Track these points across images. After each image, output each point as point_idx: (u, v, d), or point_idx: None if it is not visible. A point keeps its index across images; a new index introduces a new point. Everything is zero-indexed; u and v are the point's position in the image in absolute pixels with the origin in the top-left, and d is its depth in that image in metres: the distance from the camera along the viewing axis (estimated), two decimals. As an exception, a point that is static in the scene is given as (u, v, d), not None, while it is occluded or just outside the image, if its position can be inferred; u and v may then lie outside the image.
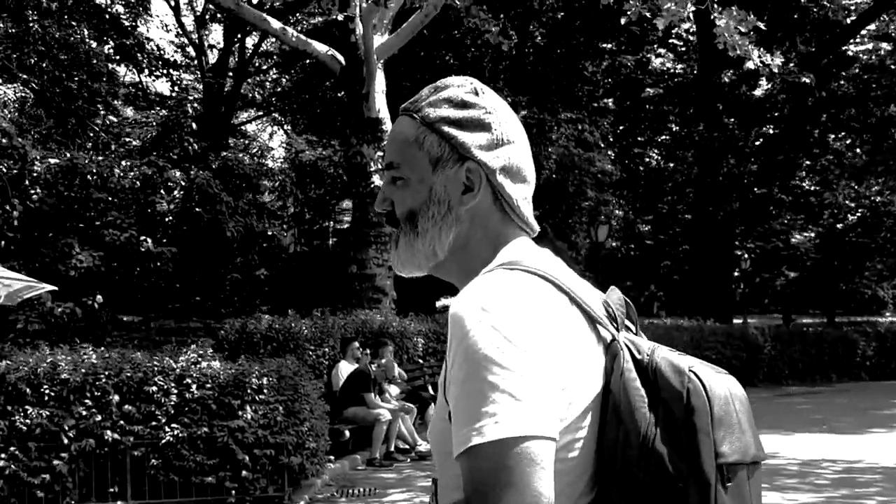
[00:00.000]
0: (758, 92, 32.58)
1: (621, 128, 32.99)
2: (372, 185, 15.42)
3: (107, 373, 9.46)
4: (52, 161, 11.34)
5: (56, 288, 9.05)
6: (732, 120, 30.20)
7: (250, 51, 28.81)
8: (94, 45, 16.18)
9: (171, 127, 12.95)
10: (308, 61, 26.31)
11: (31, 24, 13.02)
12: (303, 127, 29.28)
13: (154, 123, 13.59)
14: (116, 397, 9.41)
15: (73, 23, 14.77)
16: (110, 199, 11.48)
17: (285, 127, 33.58)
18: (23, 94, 10.15)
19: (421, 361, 15.11)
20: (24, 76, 10.90)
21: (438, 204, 1.41)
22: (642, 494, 1.24)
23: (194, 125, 13.38)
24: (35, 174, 11.31)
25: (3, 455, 9.08)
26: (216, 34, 30.05)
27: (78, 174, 11.31)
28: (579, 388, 1.26)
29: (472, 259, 1.42)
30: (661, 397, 1.27)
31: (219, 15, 27.10)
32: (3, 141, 10.97)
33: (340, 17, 12.44)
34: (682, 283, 35.04)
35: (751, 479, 1.29)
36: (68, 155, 11.16)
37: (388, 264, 15.83)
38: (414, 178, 1.42)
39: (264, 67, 29.97)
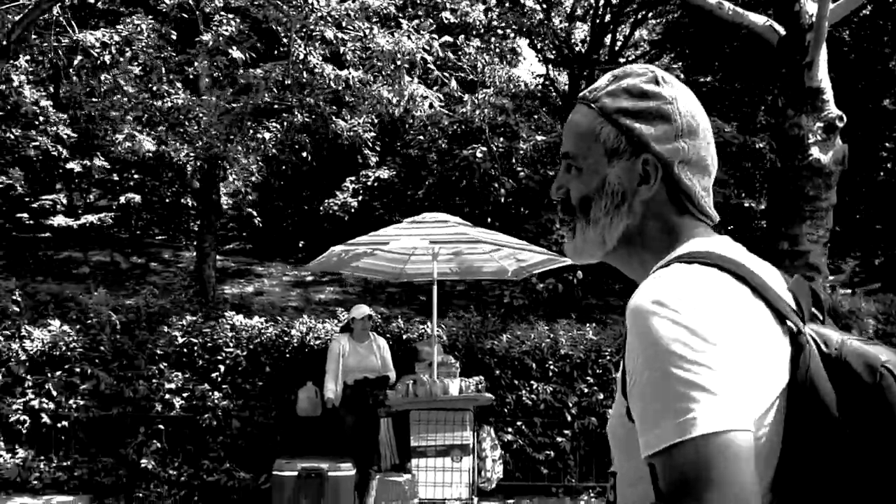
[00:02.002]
0: None
1: None
2: (810, 157, 13.50)
3: (609, 350, 8.65)
4: (539, 138, 10.97)
5: (571, 261, 8.38)
6: None
7: (620, 43, 27.80)
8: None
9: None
10: (678, 50, 25.04)
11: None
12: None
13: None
14: (618, 375, 8.57)
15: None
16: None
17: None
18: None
19: (873, 346, 12.97)
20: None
21: (612, 195, 1.34)
22: (832, 494, 1.14)
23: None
24: (521, 152, 11.00)
25: (510, 429, 8.58)
26: (580, 32, 29.37)
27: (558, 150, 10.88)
28: (764, 383, 1.17)
29: (647, 250, 1.35)
30: (851, 393, 1.16)
31: (590, 12, 26.37)
32: (500, 119, 10.82)
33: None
34: None
35: None
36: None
37: (822, 240, 13.91)
38: (589, 168, 1.36)
39: (632, 58, 28.87)
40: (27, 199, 21.16)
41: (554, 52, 25.61)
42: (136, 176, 21.72)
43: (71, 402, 8.38)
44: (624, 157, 1.33)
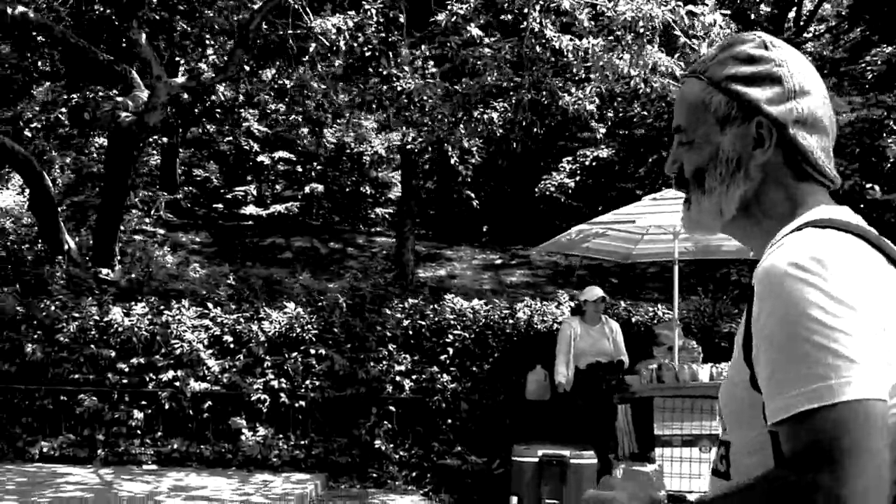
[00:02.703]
0: None
1: None
2: None
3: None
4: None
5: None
6: None
7: (805, 17, 25.88)
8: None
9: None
10: (870, 22, 23.02)
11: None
12: (846, 89, 25.86)
13: (879, 62, 11.83)
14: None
15: None
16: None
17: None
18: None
19: None
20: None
21: (726, 162, 1.29)
22: None
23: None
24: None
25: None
26: (763, 6, 27.51)
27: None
28: None
29: (767, 217, 1.29)
30: None
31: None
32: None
33: None
34: None
35: None
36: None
37: None
38: (701, 138, 1.31)
39: (819, 32, 26.87)
40: (222, 191, 22.06)
41: (738, 28, 24.15)
42: (318, 167, 22.25)
43: (307, 382, 8.34)
44: (736, 123, 1.28)
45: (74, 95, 12.34)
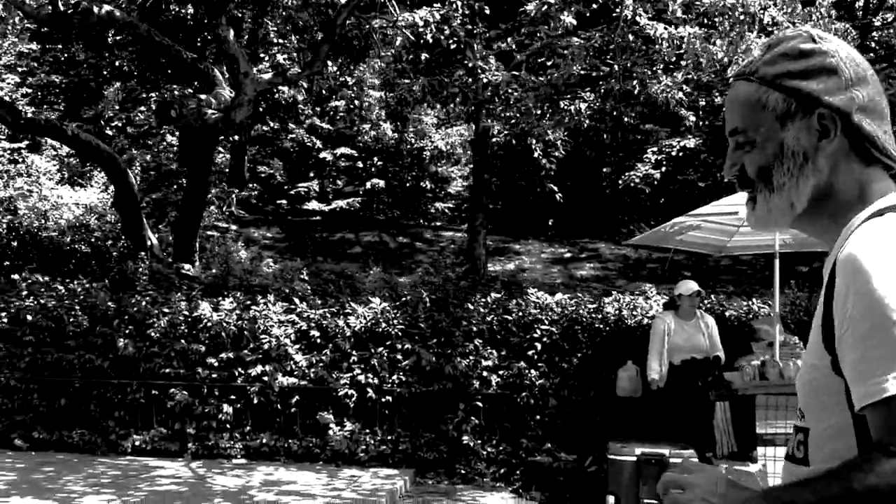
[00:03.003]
0: None
1: None
2: None
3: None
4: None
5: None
6: None
7: (874, 5, 24.97)
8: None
9: None
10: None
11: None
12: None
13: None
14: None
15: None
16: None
17: (890, 81, 29.04)
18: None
19: None
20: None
21: (793, 157, 1.29)
22: None
23: None
24: None
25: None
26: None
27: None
28: None
29: (839, 206, 1.29)
30: None
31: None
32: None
33: None
34: None
35: None
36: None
37: None
38: (762, 138, 1.31)
39: (887, 21, 25.94)
40: (286, 187, 22.18)
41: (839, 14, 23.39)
42: (378, 163, 22.24)
43: (393, 377, 8.22)
44: (797, 117, 1.28)
45: (153, 94, 12.42)
